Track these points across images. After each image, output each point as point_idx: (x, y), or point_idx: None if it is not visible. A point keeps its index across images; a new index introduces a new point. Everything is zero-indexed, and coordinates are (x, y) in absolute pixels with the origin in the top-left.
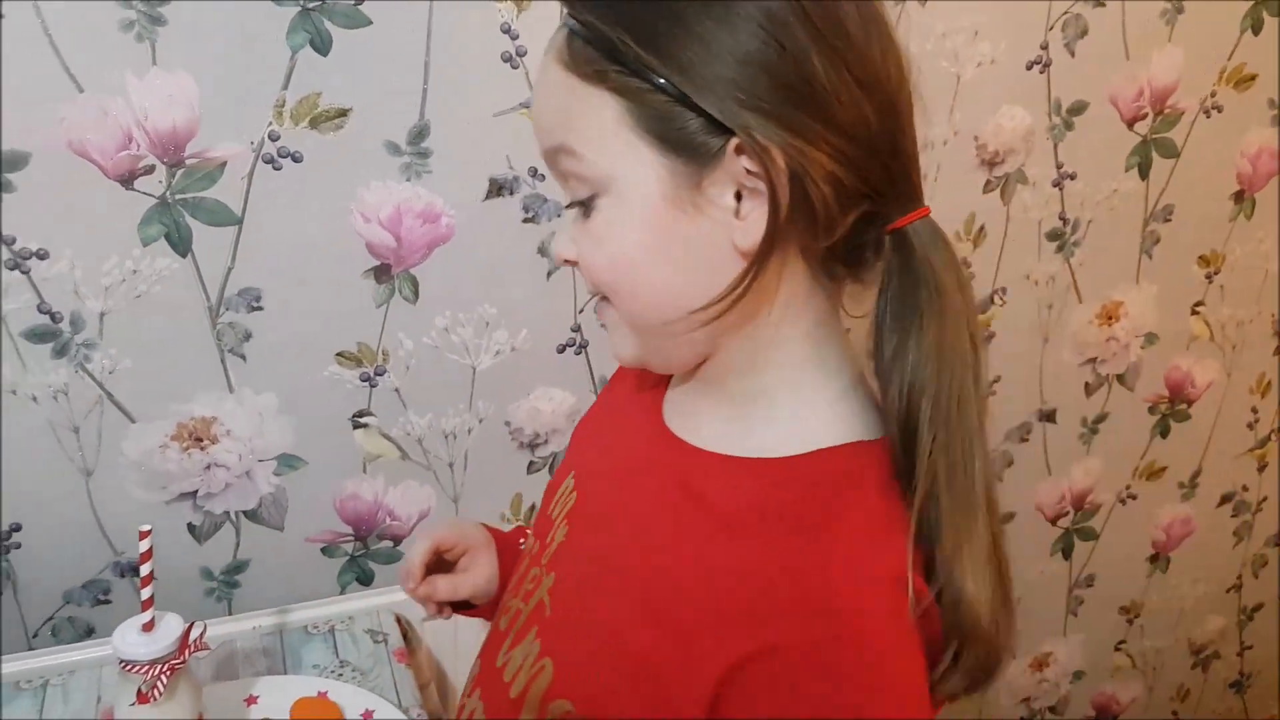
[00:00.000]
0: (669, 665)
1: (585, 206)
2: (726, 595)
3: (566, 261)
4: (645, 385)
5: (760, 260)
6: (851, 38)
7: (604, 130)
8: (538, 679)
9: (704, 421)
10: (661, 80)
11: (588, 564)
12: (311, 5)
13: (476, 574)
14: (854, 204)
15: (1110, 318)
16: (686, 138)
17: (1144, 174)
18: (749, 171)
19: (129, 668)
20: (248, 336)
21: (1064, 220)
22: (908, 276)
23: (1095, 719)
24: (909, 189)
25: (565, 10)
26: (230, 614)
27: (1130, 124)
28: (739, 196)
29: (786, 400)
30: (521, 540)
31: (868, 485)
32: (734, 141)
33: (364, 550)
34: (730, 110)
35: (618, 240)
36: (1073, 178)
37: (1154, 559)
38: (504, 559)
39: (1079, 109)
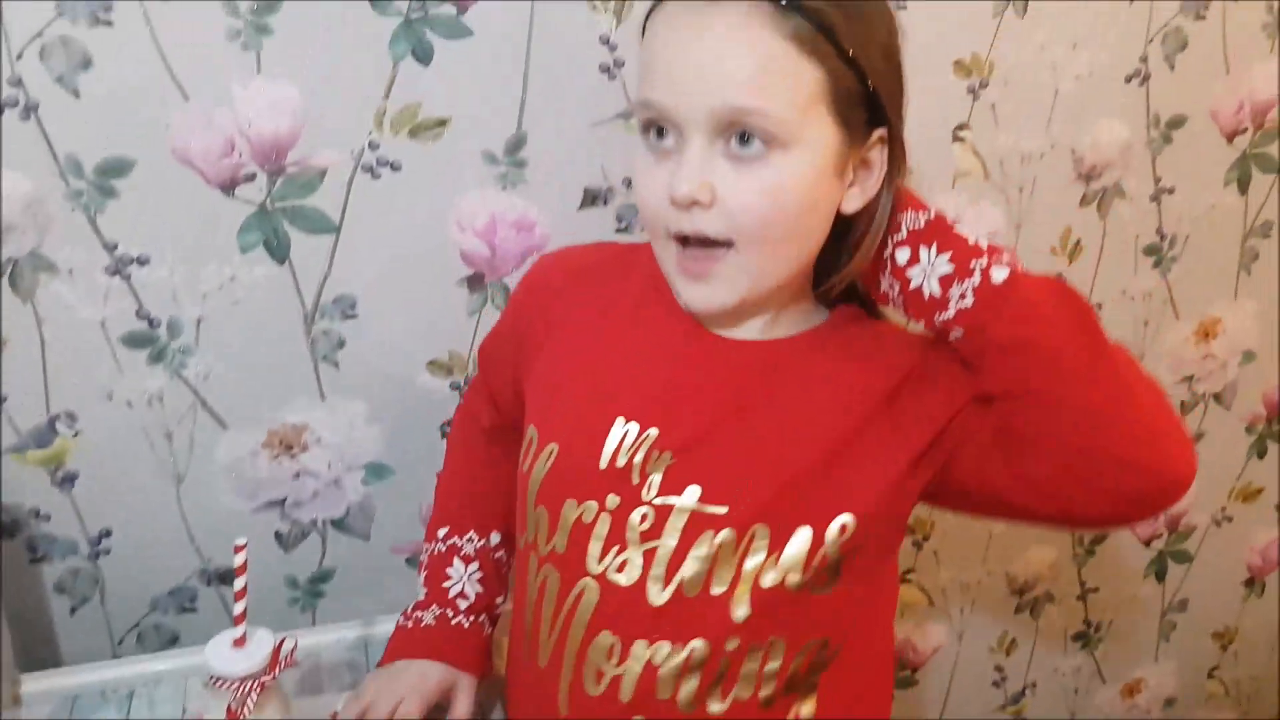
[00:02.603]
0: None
1: (745, 156)
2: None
3: (695, 203)
4: (639, 321)
5: (872, 217)
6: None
7: (804, 97)
8: (754, 548)
9: (750, 323)
10: (862, 70)
11: (747, 452)
12: (414, 16)
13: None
14: None
15: (1208, 335)
16: (856, 121)
17: (1243, 189)
18: (864, 159)
19: (219, 683)
20: (341, 344)
21: (1161, 235)
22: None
23: None
24: None
25: None
26: (314, 624)
27: (1230, 138)
28: (854, 170)
29: (805, 294)
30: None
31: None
32: (880, 132)
33: None
34: (889, 106)
35: (790, 191)
36: (1171, 192)
37: (1249, 584)
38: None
39: (1178, 123)
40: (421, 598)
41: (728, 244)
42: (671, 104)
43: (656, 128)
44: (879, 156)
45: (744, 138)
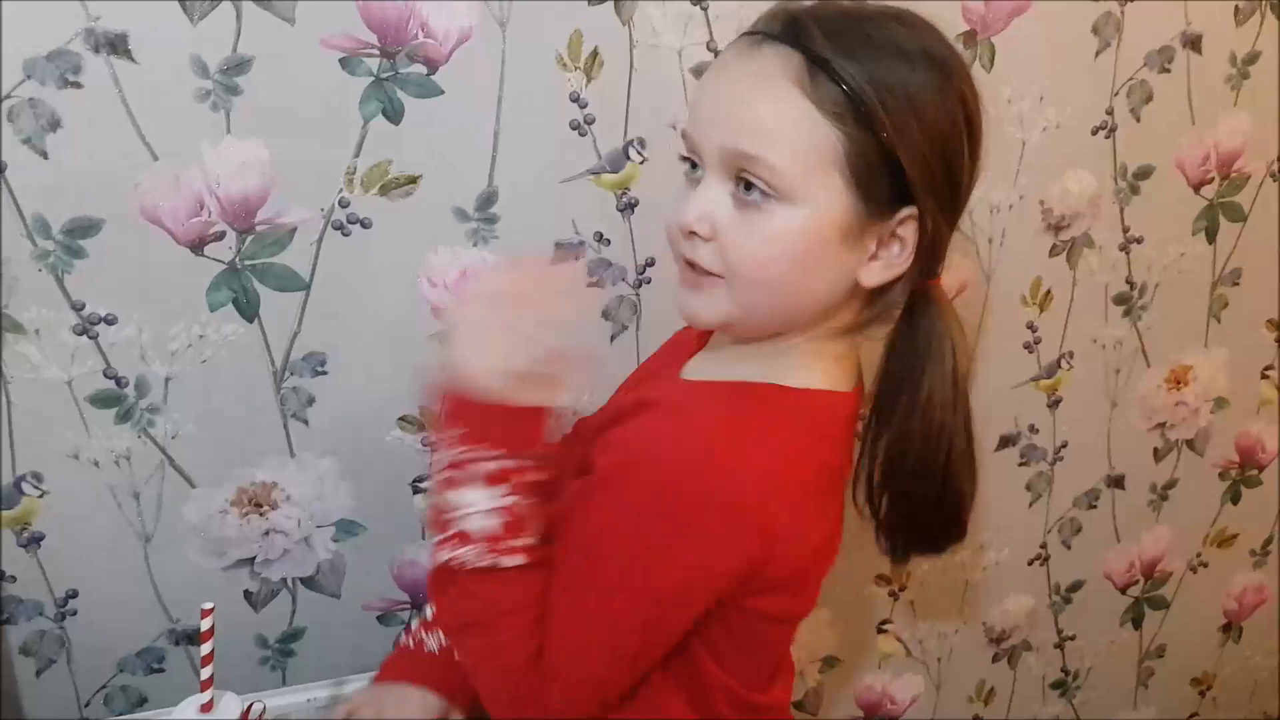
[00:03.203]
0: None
1: (747, 202)
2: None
3: (692, 233)
4: (678, 344)
5: (883, 295)
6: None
7: (815, 157)
8: None
9: (710, 365)
10: (889, 145)
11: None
12: (385, 75)
13: None
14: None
15: (1179, 382)
16: (878, 191)
17: (1211, 238)
18: (894, 235)
19: None
20: (311, 401)
21: (1131, 284)
22: (923, 324)
23: None
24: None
25: (816, 51)
26: (285, 684)
27: (1197, 188)
28: (877, 243)
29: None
30: None
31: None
32: (909, 210)
33: None
34: (920, 188)
35: (784, 243)
36: (1139, 242)
37: (1226, 629)
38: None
39: (1145, 173)
40: (429, 617)
41: (720, 276)
42: (694, 136)
43: (692, 160)
44: (910, 235)
45: (749, 185)
